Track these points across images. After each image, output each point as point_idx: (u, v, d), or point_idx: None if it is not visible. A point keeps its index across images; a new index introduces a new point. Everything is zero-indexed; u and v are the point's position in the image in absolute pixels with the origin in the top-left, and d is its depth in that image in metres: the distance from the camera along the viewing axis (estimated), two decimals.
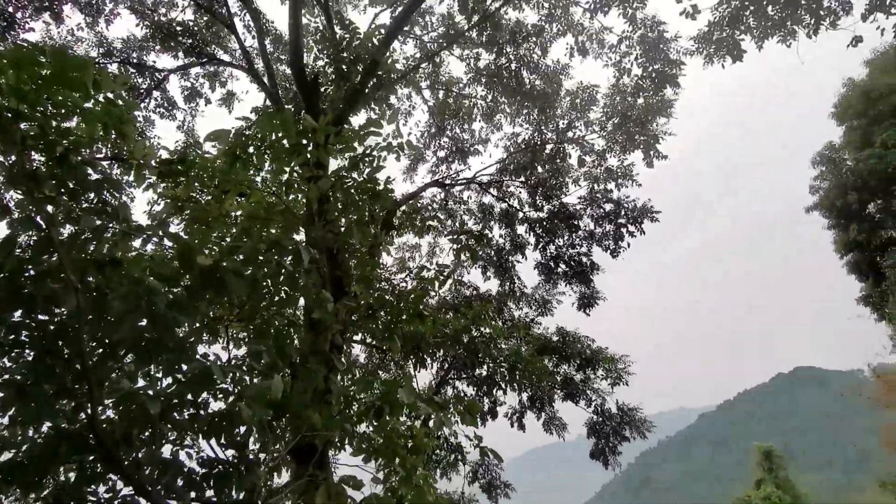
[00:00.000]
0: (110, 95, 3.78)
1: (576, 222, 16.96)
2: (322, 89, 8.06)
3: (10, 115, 3.52)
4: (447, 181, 15.05)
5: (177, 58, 14.09)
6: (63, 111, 3.69)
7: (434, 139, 15.65)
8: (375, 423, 3.27)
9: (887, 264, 22.01)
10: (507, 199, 17.62)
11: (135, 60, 13.68)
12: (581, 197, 16.88)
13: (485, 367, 14.96)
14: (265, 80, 10.82)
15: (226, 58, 14.00)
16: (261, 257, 3.75)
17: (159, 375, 3.98)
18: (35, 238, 3.96)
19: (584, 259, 17.21)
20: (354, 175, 4.94)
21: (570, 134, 14.82)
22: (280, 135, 3.99)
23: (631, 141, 14.29)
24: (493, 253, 18.16)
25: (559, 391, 16.38)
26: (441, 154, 16.36)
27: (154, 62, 13.85)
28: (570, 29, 11.97)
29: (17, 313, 3.53)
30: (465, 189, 17.33)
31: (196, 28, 12.18)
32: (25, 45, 3.14)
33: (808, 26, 8.60)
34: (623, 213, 16.33)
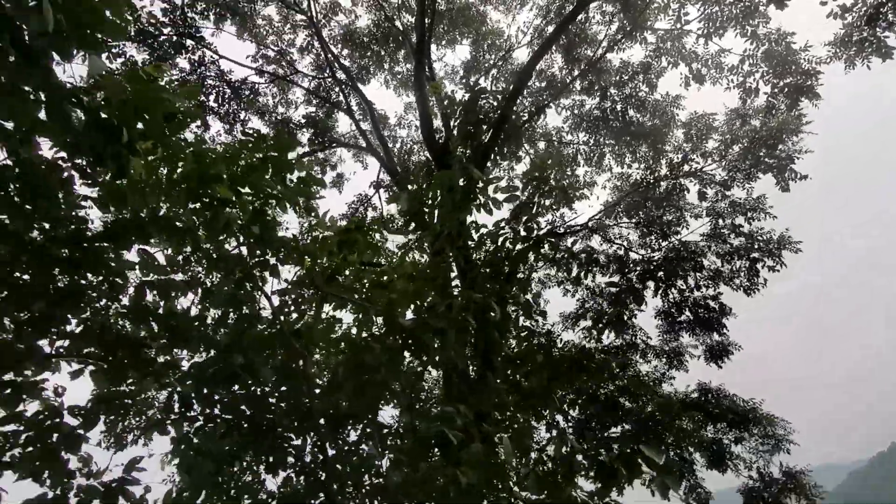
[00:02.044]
0: (302, 174, 4.02)
1: (700, 261, 15.64)
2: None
3: (216, 202, 3.84)
4: (561, 229, 14.71)
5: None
6: (262, 194, 3.95)
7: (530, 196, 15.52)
8: None
9: None
10: (616, 242, 16.75)
11: None
12: (704, 234, 15.64)
13: (619, 426, 13.75)
14: (381, 154, 11.54)
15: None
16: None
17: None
18: (237, 314, 4.20)
19: (712, 303, 15.63)
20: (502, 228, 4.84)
21: (686, 168, 14.06)
22: (451, 192, 4.03)
23: (758, 166, 13.21)
24: (604, 302, 17.12)
25: (701, 456, 14.54)
26: (547, 202, 16.14)
27: None
28: (683, 59, 11.59)
29: None
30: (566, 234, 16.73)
31: (317, 118, 13.41)
32: (251, 134, 3.45)
33: None
34: (757, 246, 14.86)
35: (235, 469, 3.97)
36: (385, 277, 4.46)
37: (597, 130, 13.91)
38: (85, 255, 3.31)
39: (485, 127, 8.21)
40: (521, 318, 5.55)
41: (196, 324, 4.02)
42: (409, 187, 4.06)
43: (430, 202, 4.13)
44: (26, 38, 2.45)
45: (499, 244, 4.75)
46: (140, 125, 2.59)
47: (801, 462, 13.38)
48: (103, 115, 2.52)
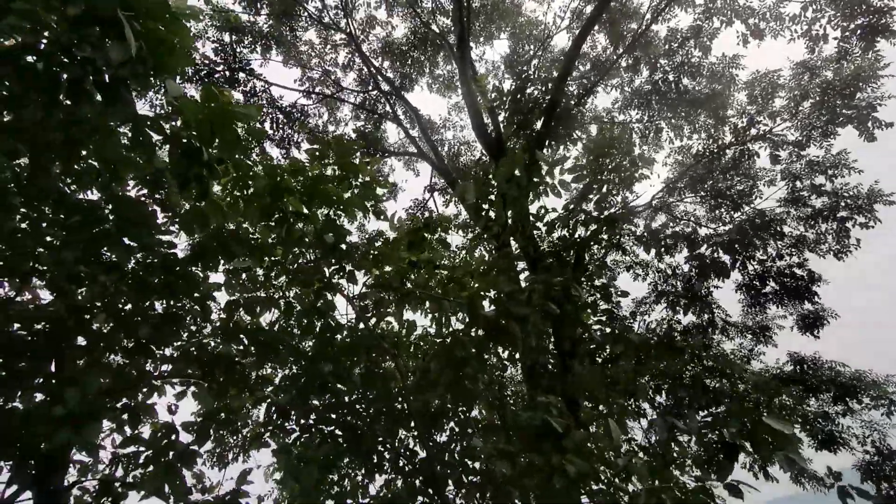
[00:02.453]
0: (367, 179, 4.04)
1: (778, 229, 14.58)
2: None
3: (289, 216, 3.92)
4: (621, 213, 14.20)
5: None
6: (332, 202, 4.00)
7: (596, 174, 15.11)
8: None
9: None
10: (683, 219, 15.96)
11: None
12: (781, 199, 14.59)
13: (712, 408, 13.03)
14: (432, 158, 11.61)
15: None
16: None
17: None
18: (322, 324, 4.26)
19: (798, 271, 14.51)
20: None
21: (752, 131, 13.18)
22: (515, 178, 3.93)
23: (835, 119, 12.18)
24: (678, 284, 16.30)
25: (808, 435, 13.50)
26: (604, 188, 15.66)
27: None
28: (737, 16, 10.90)
29: None
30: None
31: (366, 131, 13.71)
32: (316, 145, 3.52)
33: None
34: (844, 205, 13.69)
35: (335, 477, 4.04)
36: (456, 274, 4.42)
37: (649, 105, 13.32)
38: (177, 280, 3.47)
39: (536, 112, 8.09)
40: (599, 303, 5.36)
41: (282, 337, 4.13)
42: (471, 181, 4.00)
43: (495, 191, 4.05)
44: (106, 77, 2.60)
45: (570, 227, 4.60)
46: (216, 143, 2.68)
47: None
48: (183, 140, 2.63)
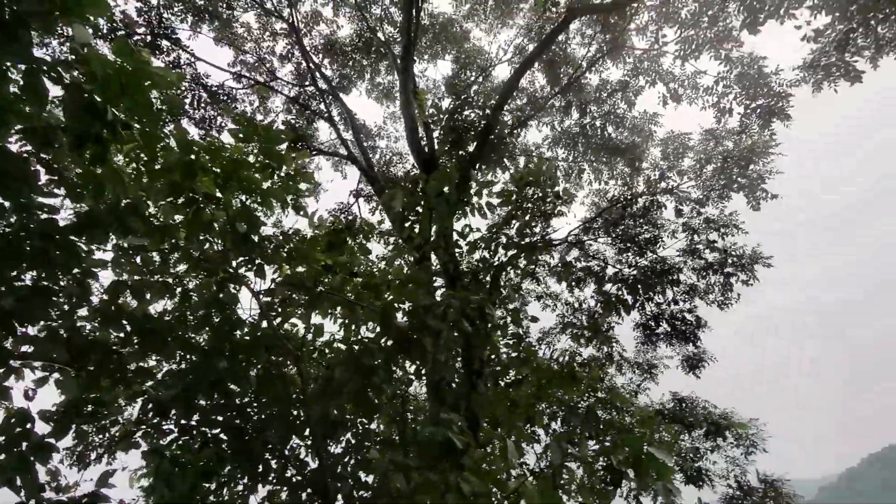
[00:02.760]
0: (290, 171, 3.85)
1: (675, 276, 15.96)
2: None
3: (200, 198, 3.64)
4: (540, 244, 14.80)
5: None
6: (251, 189, 3.77)
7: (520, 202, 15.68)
8: None
9: None
10: (595, 257, 16.98)
11: None
12: (680, 250, 16.01)
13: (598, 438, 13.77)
14: (363, 163, 11.44)
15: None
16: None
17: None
18: (219, 318, 3.96)
19: (688, 316, 16.01)
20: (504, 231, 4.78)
21: (662, 185, 14.39)
22: (445, 194, 3.93)
23: (730, 185, 13.63)
24: (583, 317, 17.28)
25: (679, 469, 14.66)
26: (527, 217, 16.27)
27: None
28: (660, 78, 11.92)
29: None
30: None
31: (297, 126, 13.25)
32: (243, 123, 3.28)
33: None
34: (730, 262, 15.28)
35: (212, 485, 3.71)
36: (372, 281, 4.31)
37: (575, 146, 14.12)
38: (55, 250, 3.06)
39: (472, 134, 8.26)
40: (510, 326, 5.46)
41: (174, 327, 3.78)
42: (399, 190, 3.94)
43: (423, 204, 4.02)
44: (5, 13, 2.27)
45: (491, 249, 4.67)
46: (123, 105, 2.41)
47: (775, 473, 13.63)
48: (85, 94, 2.34)
